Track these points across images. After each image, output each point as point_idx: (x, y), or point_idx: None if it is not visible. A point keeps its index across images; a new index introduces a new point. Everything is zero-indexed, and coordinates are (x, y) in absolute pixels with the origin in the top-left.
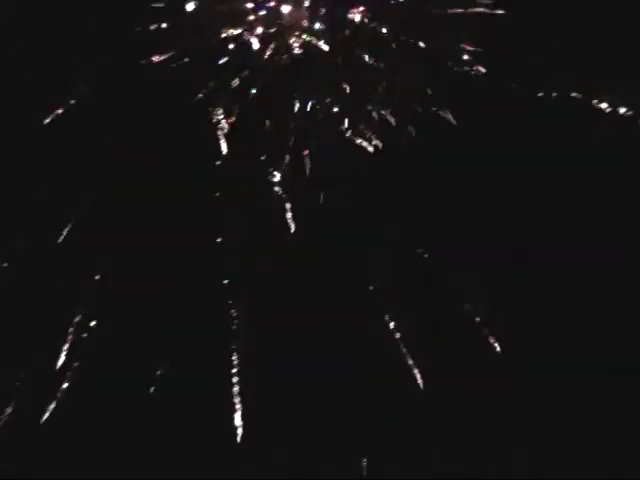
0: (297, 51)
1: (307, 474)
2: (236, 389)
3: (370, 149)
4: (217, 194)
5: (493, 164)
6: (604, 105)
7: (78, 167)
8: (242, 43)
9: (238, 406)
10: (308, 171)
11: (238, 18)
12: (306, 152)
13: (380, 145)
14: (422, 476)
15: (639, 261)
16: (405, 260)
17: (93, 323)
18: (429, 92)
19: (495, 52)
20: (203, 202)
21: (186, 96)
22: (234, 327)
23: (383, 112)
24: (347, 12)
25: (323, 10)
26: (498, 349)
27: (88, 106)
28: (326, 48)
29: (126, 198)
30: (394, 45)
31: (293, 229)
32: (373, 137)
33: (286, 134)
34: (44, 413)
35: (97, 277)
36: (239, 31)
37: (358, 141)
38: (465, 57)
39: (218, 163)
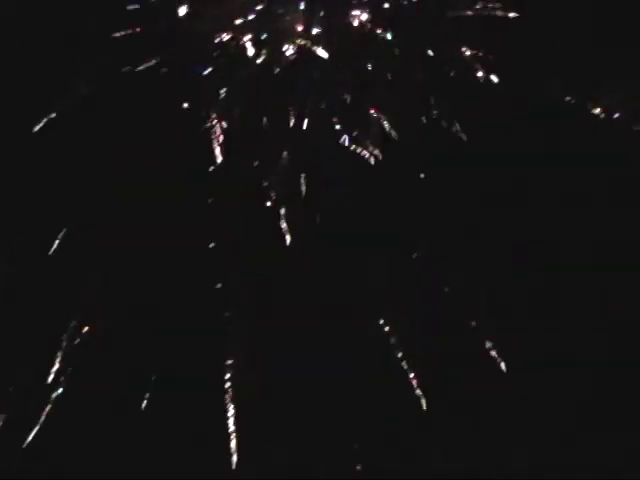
0: (293, 56)
1: (307, 474)
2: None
3: (371, 161)
4: (217, 194)
5: (493, 164)
6: (604, 105)
7: (78, 167)
8: (237, 47)
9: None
10: (308, 171)
11: (234, 22)
12: (305, 153)
13: (380, 156)
14: (422, 476)
15: (639, 261)
16: (405, 260)
17: (92, 323)
18: (429, 92)
19: (495, 52)
20: (203, 202)
21: (184, 98)
22: (233, 327)
23: (384, 121)
24: (345, 16)
25: (320, 14)
26: (498, 349)
27: (88, 106)
28: (324, 55)
29: (126, 198)
30: (396, 50)
31: (289, 240)
32: (374, 149)
33: (283, 137)
34: (43, 413)
35: (96, 277)
36: (231, 35)
37: (358, 150)
38: (465, 57)
39: (218, 163)
